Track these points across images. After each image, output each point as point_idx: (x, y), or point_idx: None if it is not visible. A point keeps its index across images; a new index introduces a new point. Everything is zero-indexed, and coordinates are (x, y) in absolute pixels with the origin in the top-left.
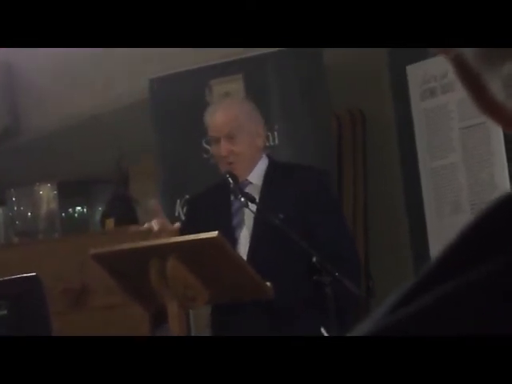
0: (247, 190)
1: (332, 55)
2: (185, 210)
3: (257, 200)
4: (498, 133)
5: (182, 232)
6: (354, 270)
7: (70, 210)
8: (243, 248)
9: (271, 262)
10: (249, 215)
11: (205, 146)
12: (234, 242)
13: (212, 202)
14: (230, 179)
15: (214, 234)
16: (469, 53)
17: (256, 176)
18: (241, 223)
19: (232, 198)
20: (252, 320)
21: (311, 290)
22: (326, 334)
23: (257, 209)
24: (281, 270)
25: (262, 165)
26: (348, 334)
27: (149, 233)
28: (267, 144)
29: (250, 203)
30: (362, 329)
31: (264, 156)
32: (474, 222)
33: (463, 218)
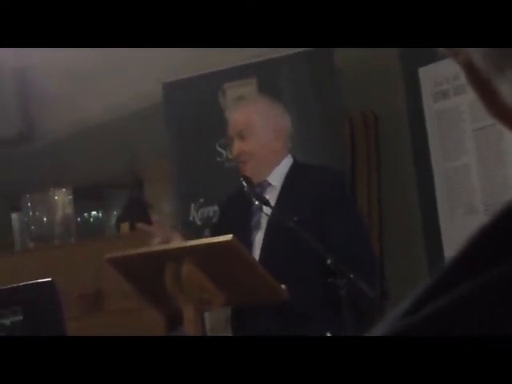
0: (267, 191)
1: (345, 57)
2: (206, 212)
3: (274, 202)
4: (511, 134)
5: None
6: (371, 272)
7: (86, 214)
8: (258, 250)
9: (284, 265)
10: (266, 218)
11: (219, 149)
12: (249, 244)
13: (237, 205)
14: (244, 183)
15: (229, 237)
16: (478, 56)
17: (277, 177)
18: (258, 225)
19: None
20: (266, 323)
21: (325, 293)
22: None
23: (271, 211)
24: (294, 273)
25: (284, 166)
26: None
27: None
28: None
29: (264, 206)
30: (376, 331)
31: (289, 157)
32: (487, 224)
33: (477, 220)
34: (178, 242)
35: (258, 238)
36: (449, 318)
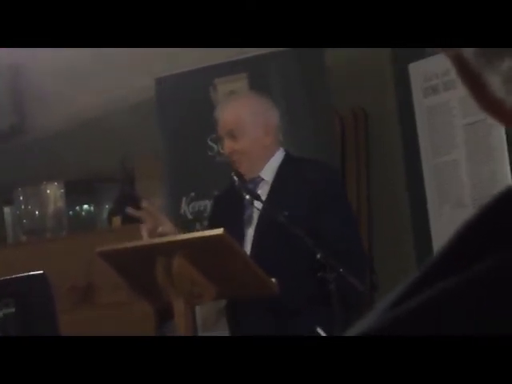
0: (260, 186)
1: (335, 54)
2: (197, 206)
3: (265, 197)
4: (499, 129)
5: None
6: (361, 267)
7: (77, 208)
8: (249, 245)
9: (274, 259)
10: (257, 212)
11: (210, 143)
12: (241, 238)
13: (229, 200)
14: (235, 177)
15: (220, 231)
16: (468, 50)
17: (268, 172)
18: (249, 220)
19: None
20: (257, 317)
21: (315, 287)
22: (322, 334)
23: (262, 206)
24: (284, 267)
25: (276, 160)
26: (349, 330)
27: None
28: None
29: (255, 201)
30: (363, 324)
31: (281, 150)
32: (475, 217)
33: (465, 215)
34: (167, 228)
35: (250, 232)
36: (434, 311)
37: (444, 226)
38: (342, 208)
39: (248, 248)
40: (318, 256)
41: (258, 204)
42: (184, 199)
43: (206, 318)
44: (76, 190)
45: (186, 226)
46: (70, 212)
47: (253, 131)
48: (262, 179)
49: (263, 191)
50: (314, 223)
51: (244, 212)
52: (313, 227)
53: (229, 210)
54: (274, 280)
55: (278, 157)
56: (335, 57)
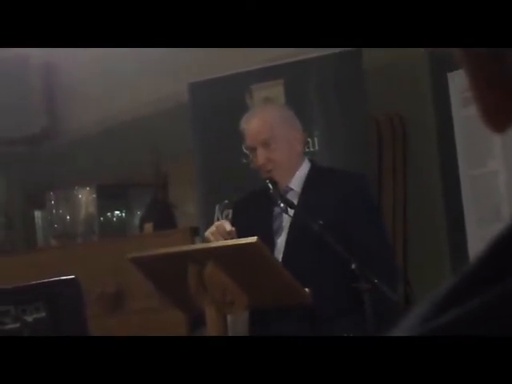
0: (288, 196)
1: (372, 61)
2: (230, 213)
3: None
4: None
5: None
6: (392, 276)
7: (109, 213)
8: (279, 253)
9: (306, 268)
10: (288, 221)
11: (244, 150)
12: (272, 247)
13: (254, 207)
14: (269, 185)
15: (253, 239)
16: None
17: (297, 182)
18: (280, 229)
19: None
20: (289, 327)
21: (349, 297)
22: None
23: (294, 214)
24: (316, 276)
25: (303, 170)
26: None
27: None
28: (307, 150)
29: (289, 209)
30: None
31: (306, 160)
32: (506, 230)
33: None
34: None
35: (281, 241)
36: (479, 321)
37: (481, 238)
38: (370, 216)
39: (279, 257)
40: (353, 266)
41: (292, 212)
42: (217, 206)
43: (236, 325)
44: (108, 196)
45: None
46: (101, 217)
47: (286, 139)
48: (291, 189)
49: (293, 200)
50: (344, 233)
51: (273, 221)
52: (342, 237)
53: (255, 217)
54: (307, 290)
55: (306, 166)
56: (373, 63)
